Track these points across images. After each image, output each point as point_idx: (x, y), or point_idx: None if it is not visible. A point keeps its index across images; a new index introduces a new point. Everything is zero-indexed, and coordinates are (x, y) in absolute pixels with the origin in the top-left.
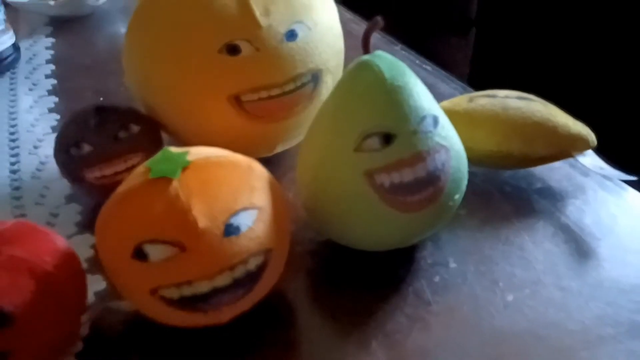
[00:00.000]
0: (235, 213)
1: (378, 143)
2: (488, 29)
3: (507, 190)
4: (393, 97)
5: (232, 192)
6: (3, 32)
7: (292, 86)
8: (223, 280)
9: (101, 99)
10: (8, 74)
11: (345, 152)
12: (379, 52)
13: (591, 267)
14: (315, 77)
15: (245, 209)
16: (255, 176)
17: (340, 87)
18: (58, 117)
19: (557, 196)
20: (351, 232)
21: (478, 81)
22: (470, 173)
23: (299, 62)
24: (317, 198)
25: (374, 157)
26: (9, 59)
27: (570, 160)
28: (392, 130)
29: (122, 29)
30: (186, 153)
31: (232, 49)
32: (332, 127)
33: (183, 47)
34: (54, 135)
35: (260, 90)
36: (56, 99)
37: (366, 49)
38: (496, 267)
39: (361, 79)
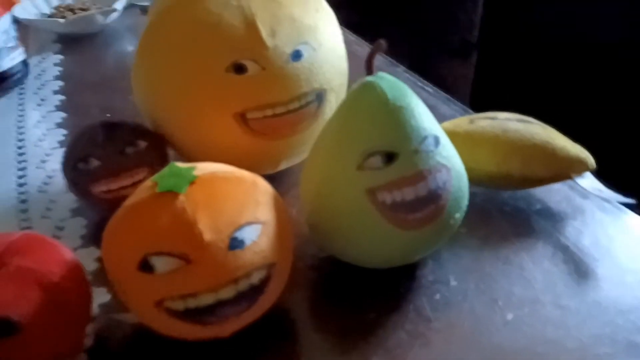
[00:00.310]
0: (240, 227)
1: (380, 161)
2: (488, 53)
3: (507, 210)
4: (395, 117)
5: (237, 207)
6: (13, 48)
7: (296, 105)
8: (227, 293)
9: (108, 115)
10: (17, 89)
11: (348, 170)
12: (382, 74)
13: (589, 287)
14: (320, 96)
15: (249, 223)
16: (259, 191)
17: (344, 106)
18: (65, 132)
19: (556, 217)
20: (353, 248)
21: (479, 102)
22: (471, 193)
23: (304, 82)
24: (319, 214)
25: (376, 175)
26: (18, 75)
27: (570, 182)
28: (394, 149)
29: (130, 47)
30: (193, 168)
31: (239, 68)
32: (335, 146)
33: (191, 66)
34: (61, 150)
35: (266, 108)
36: (64, 115)
37: (370, 71)
38: (496, 286)
39: (364, 99)
